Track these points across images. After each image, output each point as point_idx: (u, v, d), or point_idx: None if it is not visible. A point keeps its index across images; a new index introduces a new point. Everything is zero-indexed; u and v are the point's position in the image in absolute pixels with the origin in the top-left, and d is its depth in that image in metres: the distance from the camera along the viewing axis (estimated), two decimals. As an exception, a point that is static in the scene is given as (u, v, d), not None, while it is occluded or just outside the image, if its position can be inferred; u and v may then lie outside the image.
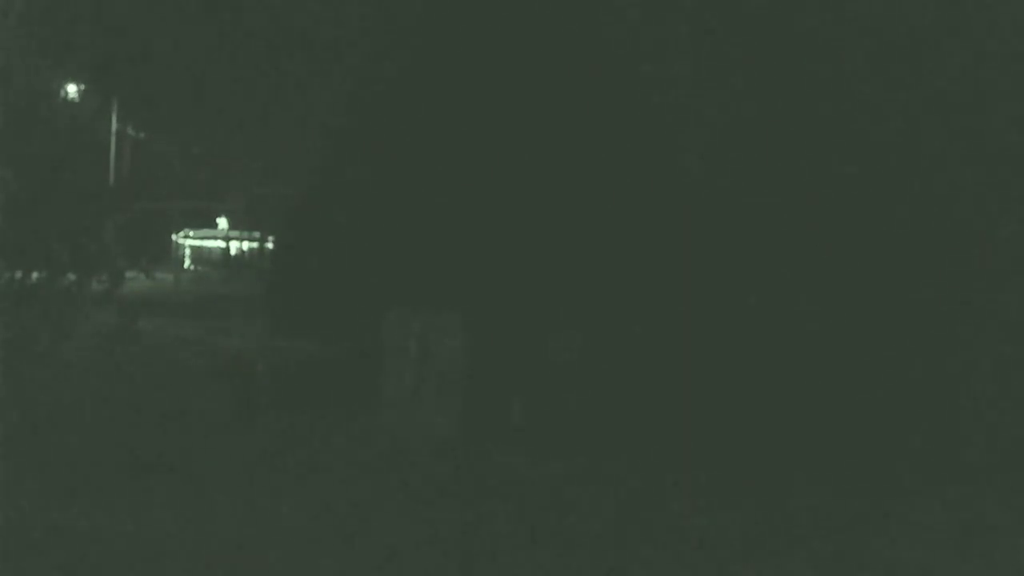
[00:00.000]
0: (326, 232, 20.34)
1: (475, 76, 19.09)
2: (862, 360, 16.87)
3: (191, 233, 44.00)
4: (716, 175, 17.52)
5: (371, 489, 14.67)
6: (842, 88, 17.40)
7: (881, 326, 16.96)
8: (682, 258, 17.46)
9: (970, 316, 16.91)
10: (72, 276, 18.12)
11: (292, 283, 21.23)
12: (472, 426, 17.72)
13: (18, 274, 17.79)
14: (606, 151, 18.07)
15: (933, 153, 17.20)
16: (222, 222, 42.86)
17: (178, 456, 15.76)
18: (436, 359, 17.92)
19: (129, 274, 19.69)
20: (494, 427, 17.73)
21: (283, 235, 22.97)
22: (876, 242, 17.08)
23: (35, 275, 17.98)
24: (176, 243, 42.31)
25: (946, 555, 12.57)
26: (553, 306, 18.00)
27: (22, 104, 17.94)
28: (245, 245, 39.61)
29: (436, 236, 18.80)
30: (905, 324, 16.94)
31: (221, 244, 44.10)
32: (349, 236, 19.84)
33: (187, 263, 44.74)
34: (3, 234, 16.97)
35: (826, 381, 16.84)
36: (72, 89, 21.20)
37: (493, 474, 15.78)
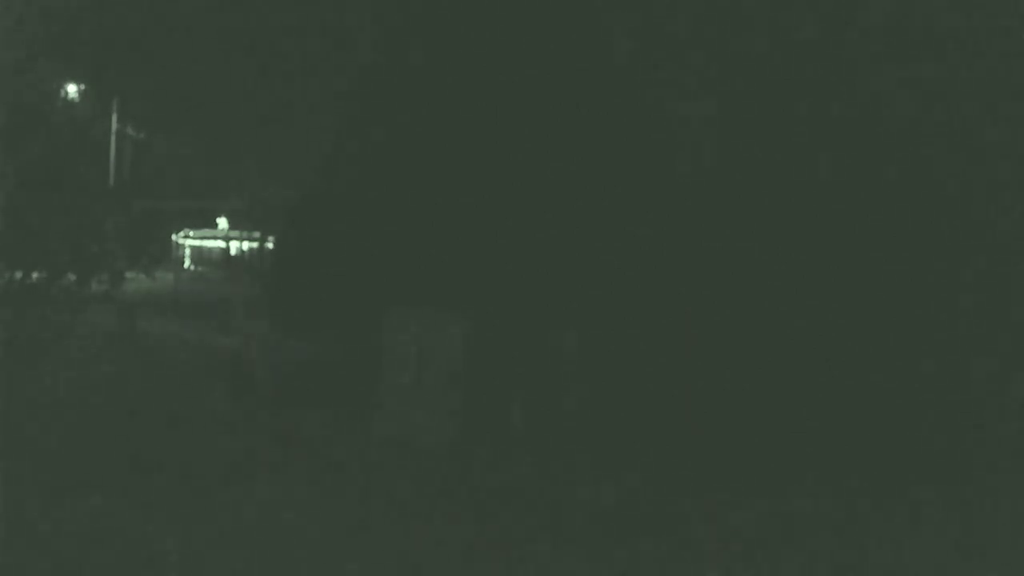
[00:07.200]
0: (326, 232, 20.36)
1: (473, 78, 19.10)
2: (862, 360, 16.87)
3: (191, 233, 44.01)
4: (714, 176, 17.50)
5: (370, 488, 14.69)
6: (841, 88, 17.40)
7: (882, 327, 16.95)
8: (682, 258, 17.44)
9: (971, 317, 16.90)
10: (72, 276, 18.12)
11: (292, 283, 21.24)
12: (471, 426, 17.72)
13: (18, 274, 17.81)
14: (604, 153, 18.07)
15: (932, 154, 17.19)
16: (222, 222, 42.79)
17: (178, 456, 15.78)
18: (436, 359, 17.92)
19: (129, 274, 19.72)
20: (493, 427, 17.73)
21: (283, 235, 22.98)
22: (880, 243, 17.06)
23: (35, 275, 17.99)
24: (176, 243, 42.28)
25: (946, 555, 12.58)
26: (552, 306, 17.99)
27: (22, 104, 17.95)
28: (245, 245, 39.53)
29: (435, 237, 18.81)
30: (905, 325, 16.94)
31: (221, 244, 44.07)
32: (349, 236, 19.85)
33: (187, 263, 44.75)
34: (3, 234, 16.98)
35: (825, 381, 16.83)
36: (72, 89, 21.20)
37: (492, 473, 15.79)
